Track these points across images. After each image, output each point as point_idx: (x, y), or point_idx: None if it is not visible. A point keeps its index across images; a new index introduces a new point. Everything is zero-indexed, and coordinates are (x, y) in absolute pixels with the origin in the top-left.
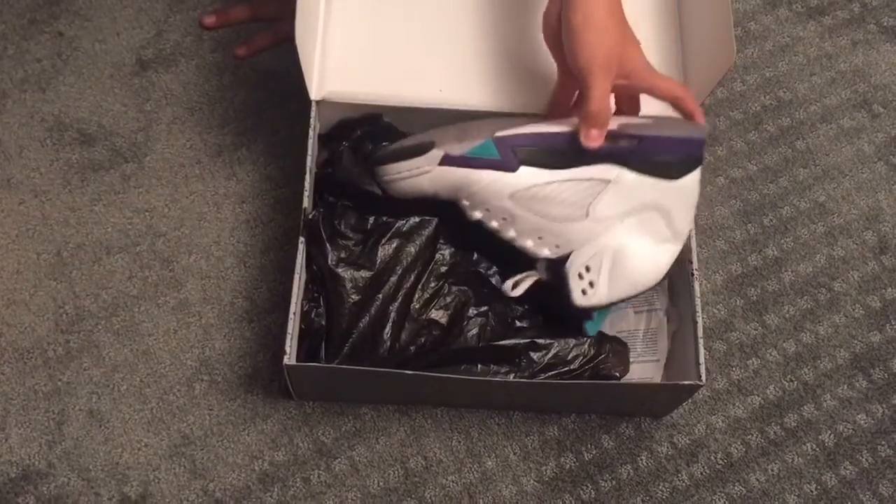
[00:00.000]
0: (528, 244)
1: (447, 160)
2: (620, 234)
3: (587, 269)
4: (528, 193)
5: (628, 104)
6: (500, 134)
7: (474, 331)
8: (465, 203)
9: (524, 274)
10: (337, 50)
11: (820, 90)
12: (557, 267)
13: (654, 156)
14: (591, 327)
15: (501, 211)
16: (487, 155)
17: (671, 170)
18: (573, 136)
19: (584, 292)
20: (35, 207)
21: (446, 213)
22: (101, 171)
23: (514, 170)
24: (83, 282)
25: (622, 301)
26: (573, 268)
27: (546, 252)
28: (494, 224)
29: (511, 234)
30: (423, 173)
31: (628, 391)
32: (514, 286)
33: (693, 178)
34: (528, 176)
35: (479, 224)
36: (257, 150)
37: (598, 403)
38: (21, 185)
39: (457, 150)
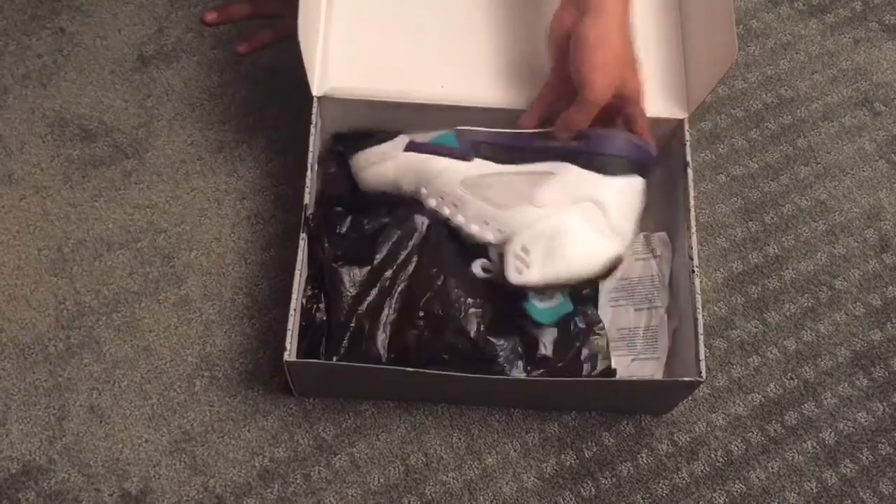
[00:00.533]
0: (475, 229)
1: (412, 146)
2: (559, 220)
3: (524, 249)
4: (477, 181)
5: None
6: (461, 128)
7: (471, 323)
8: (423, 191)
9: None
10: (338, 46)
11: (821, 88)
12: (501, 251)
13: (597, 153)
14: (536, 313)
15: (453, 197)
16: (448, 143)
17: (610, 165)
18: (529, 138)
19: (518, 271)
20: (36, 203)
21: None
22: (102, 167)
23: (469, 159)
24: (84, 278)
25: (557, 286)
26: (511, 247)
27: (489, 237)
28: (447, 211)
29: (460, 219)
30: (388, 158)
31: (628, 388)
32: (484, 270)
33: (633, 183)
34: (480, 167)
35: (434, 213)
36: (258, 147)
37: (597, 400)
38: (22, 180)
39: (421, 137)
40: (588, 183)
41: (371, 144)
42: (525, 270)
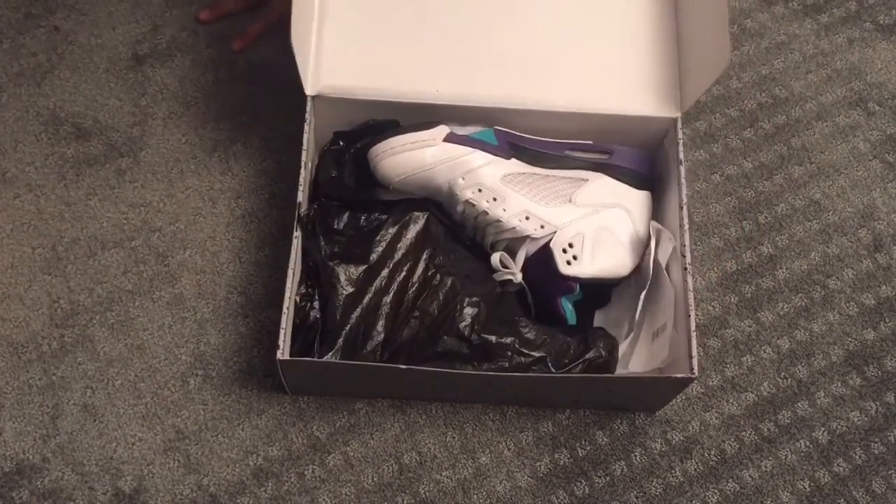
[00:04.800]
0: (515, 222)
1: (452, 137)
2: (598, 221)
3: (570, 245)
4: (519, 178)
5: None
6: (499, 127)
7: (466, 321)
8: (461, 182)
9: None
10: (332, 45)
11: (816, 88)
12: (542, 246)
13: (621, 166)
14: (570, 315)
15: (494, 191)
16: (488, 140)
17: (633, 179)
18: (561, 147)
19: (568, 263)
20: (30, 202)
21: (437, 207)
22: (97, 165)
23: (507, 158)
24: (78, 276)
25: (602, 280)
26: (558, 243)
27: (531, 231)
28: (485, 203)
29: (500, 212)
30: (427, 146)
31: (621, 384)
32: (503, 263)
33: (647, 196)
34: (518, 165)
35: (468, 205)
36: (253, 146)
37: (590, 397)
38: (16, 179)
39: (461, 131)
40: (617, 192)
41: (401, 132)
42: (574, 262)
